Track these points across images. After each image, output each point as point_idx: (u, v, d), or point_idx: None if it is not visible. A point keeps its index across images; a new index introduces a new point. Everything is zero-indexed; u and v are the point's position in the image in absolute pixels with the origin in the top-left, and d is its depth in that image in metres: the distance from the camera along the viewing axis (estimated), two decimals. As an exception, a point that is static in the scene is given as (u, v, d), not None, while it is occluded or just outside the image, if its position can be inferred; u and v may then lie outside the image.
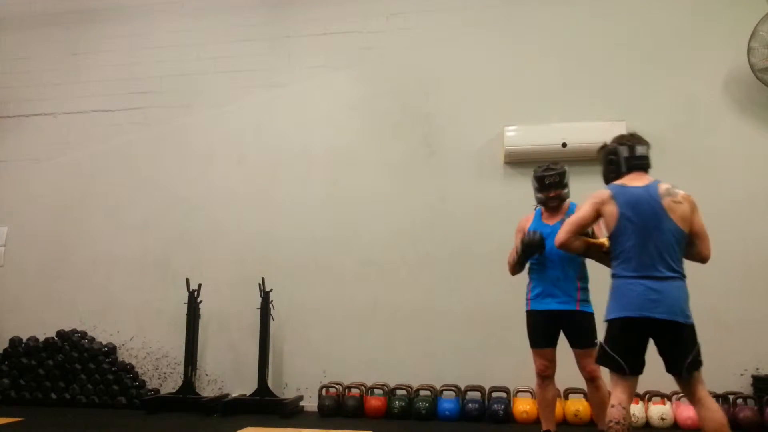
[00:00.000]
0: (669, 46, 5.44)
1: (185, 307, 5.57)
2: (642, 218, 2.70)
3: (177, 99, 6.23)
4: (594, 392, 3.51)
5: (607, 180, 2.95)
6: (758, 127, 5.21)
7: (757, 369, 4.85)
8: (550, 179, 3.61)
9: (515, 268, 3.62)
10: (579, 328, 3.46)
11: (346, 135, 5.87)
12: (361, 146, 5.82)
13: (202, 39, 6.29)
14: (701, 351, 2.67)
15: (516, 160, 5.49)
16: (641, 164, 2.85)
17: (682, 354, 2.64)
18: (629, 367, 2.68)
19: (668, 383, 4.85)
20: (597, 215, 2.80)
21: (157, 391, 5.71)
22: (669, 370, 2.73)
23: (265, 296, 5.46)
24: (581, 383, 4.95)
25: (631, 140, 2.90)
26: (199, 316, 5.61)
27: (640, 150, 2.86)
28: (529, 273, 3.62)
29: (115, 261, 6.04)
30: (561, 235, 2.85)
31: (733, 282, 5.03)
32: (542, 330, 3.52)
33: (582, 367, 3.46)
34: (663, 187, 2.75)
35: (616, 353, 2.68)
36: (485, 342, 5.24)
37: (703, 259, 2.88)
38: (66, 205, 6.25)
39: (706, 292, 5.04)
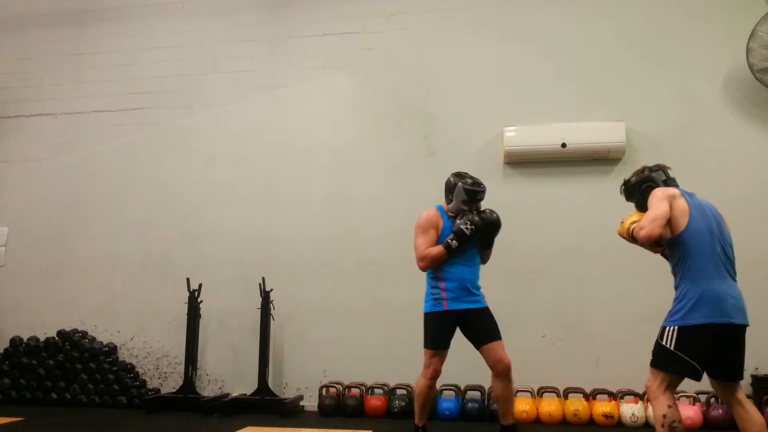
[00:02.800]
0: (668, 46, 5.45)
1: (186, 306, 5.58)
2: (708, 221, 2.75)
3: (177, 99, 6.24)
4: (508, 385, 3.55)
5: (646, 209, 2.91)
6: (757, 127, 5.22)
7: (756, 369, 4.86)
8: (481, 196, 3.70)
9: (438, 260, 3.53)
10: (491, 321, 3.59)
11: (346, 135, 5.88)
12: (361, 146, 5.83)
13: (202, 39, 6.29)
14: None
15: (516, 161, 5.50)
16: (676, 185, 2.98)
17: (743, 359, 2.71)
18: (702, 372, 2.66)
19: (668, 383, 4.88)
20: (669, 210, 2.75)
21: (158, 390, 5.71)
22: (726, 376, 2.73)
23: (266, 296, 5.47)
24: (581, 383, 4.99)
25: (657, 167, 3.04)
26: (199, 315, 5.62)
27: (671, 174, 3.02)
28: (438, 272, 3.59)
29: (116, 261, 6.05)
30: (653, 228, 2.65)
31: (733, 282, 5.03)
32: (450, 331, 3.59)
33: (499, 360, 3.49)
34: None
35: (695, 360, 2.62)
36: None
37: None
38: (66, 205, 6.26)
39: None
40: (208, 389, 5.70)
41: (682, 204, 2.76)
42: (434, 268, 3.57)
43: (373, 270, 5.58)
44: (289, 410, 5.10)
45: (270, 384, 5.40)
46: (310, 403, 5.43)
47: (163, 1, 6.44)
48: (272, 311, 5.49)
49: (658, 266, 5.16)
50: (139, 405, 5.43)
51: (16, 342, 5.83)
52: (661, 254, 3.08)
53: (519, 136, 5.39)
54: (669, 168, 3.06)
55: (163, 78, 6.30)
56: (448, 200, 3.71)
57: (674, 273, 2.82)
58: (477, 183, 3.70)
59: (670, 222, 2.74)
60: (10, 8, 6.74)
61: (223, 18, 6.32)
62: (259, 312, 5.45)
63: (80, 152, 6.36)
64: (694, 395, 4.69)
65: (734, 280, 2.74)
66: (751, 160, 5.20)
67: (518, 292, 5.37)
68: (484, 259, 3.82)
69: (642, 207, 2.99)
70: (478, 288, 3.65)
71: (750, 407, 2.66)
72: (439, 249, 3.50)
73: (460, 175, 3.73)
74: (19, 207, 6.36)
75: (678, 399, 4.71)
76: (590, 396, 4.89)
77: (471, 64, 5.75)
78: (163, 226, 6.03)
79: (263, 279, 5.50)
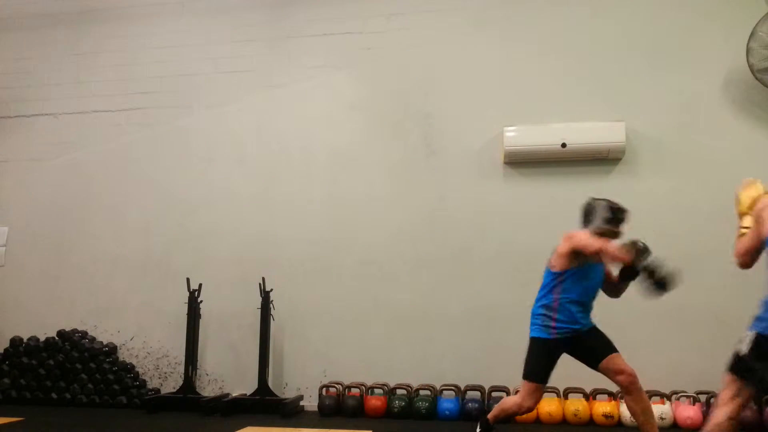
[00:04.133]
0: (669, 47, 5.44)
1: (186, 306, 5.58)
2: None
3: (177, 99, 6.24)
4: (639, 397, 3.31)
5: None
6: (757, 127, 5.22)
7: (757, 369, 4.85)
8: (625, 216, 3.46)
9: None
10: (604, 336, 3.42)
11: (346, 135, 5.87)
12: (361, 146, 5.82)
13: (202, 39, 6.29)
14: None
15: (516, 161, 5.49)
16: None
17: None
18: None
19: (668, 383, 4.90)
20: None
21: (158, 390, 5.71)
22: None
23: (266, 296, 5.47)
24: (581, 383, 4.98)
25: None
26: (199, 315, 5.62)
27: None
28: (551, 300, 3.39)
29: (116, 261, 6.05)
30: (743, 262, 2.67)
31: (733, 281, 5.02)
32: (551, 364, 3.38)
33: (622, 371, 3.31)
34: None
35: (763, 369, 2.46)
36: (485, 342, 5.25)
37: None
38: (66, 205, 6.26)
39: (706, 292, 5.06)
40: (208, 389, 5.70)
41: None
42: (554, 299, 3.37)
43: (373, 270, 5.58)
44: (289, 410, 5.10)
45: (270, 384, 5.40)
46: (310, 403, 5.43)
47: (163, 1, 6.43)
48: (272, 311, 5.49)
49: (658, 266, 5.18)
50: (139, 405, 5.43)
51: (16, 342, 5.83)
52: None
53: (519, 136, 5.39)
54: None
55: (163, 78, 6.30)
56: (587, 223, 3.44)
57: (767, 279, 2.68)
58: (618, 204, 3.46)
59: (760, 230, 2.64)
60: (10, 8, 6.73)
61: (223, 18, 6.32)
62: (259, 312, 5.45)
63: (80, 152, 6.36)
64: (694, 395, 4.69)
65: None
66: (751, 160, 5.19)
67: (518, 292, 5.35)
68: (618, 293, 3.61)
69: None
70: (589, 317, 3.47)
71: None
72: (620, 247, 3.19)
73: (600, 199, 3.50)
74: (19, 207, 6.36)
75: (678, 399, 4.73)
76: (590, 396, 4.89)
77: (471, 64, 5.75)
78: (163, 226, 6.03)
79: (263, 279, 5.50)
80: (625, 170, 5.36)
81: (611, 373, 3.29)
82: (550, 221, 5.38)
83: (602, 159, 5.37)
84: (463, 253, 5.44)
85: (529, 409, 3.36)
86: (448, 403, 4.99)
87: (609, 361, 3.28)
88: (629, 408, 3.34)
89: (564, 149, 5.27)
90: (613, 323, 5.12)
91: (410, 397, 5.09)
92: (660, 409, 4.68)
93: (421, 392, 5.11)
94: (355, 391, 5.23)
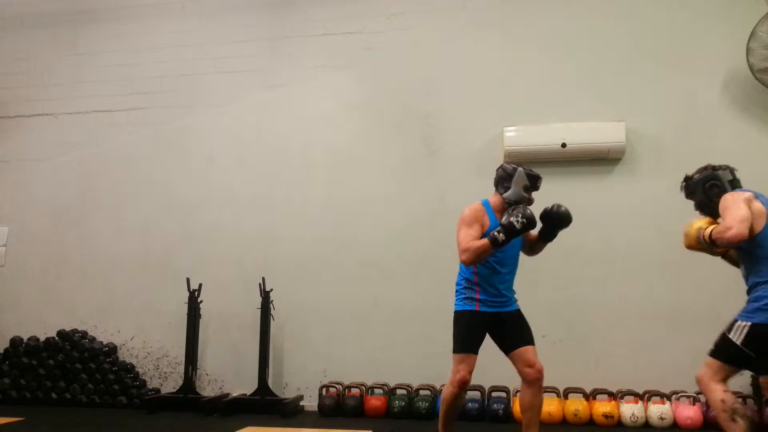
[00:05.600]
0: (669, 47, 5.45)
1: (186, 306, 5.58)
2: None
3: (177, 99, 6.24)
4: (538, 394, 3.23)
5: (710, 209, 2.95)
6: (757, 128, 5.22)
7: (757, 369, 4.85)
8: (540, 183, 3.46)
9: (483, 254, 3.14)
10: (525, 325, 3.34)
11: (346, 135, 5.87)
12: (361, 146, 5.83)
13: (202, 39, 6.29)
14: None
15: (516, 161, 5.44)
16: (741, 185, 2.95)
17: None
18: (764, 370, 2.73)
19: (668, 383, 4.90)
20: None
21: (158, 390, 5.71)
22: None
23: (266, 296, 5.47)
24: (581, 383, 4.98)
25: (725, 166, 3.00)
26: (199, 315, 5.62)
27: (737, 174, 2.98)
28: (473, 277, 3.29)
29: (116, 261, 6.05)
30: (743, 228, 2.63)
31: (733, 281, 5.01)
32: (481, 333, 3.29)
33: (531, 365, 3.21)
34: None
35: (761, 357, 2.64)
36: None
37: None
38: (66, 205, 6.26)
39: (706, 292, 5.06)
40: (208, 389, 5.70)
41: (758, 206, 2.74)
42: (473, 272, 3.28)
43: (373, 270, 5.58)
44: (289, 410, 5.10)
45: (270, 384, 5.40)
46: (310, 403, 5.43)
47: (163, 1, 6.43)
48: (272, 311, 5.49)
49: (658, 266, 5.19)
50: (139, 405, 5.43)
51: (16, 342, 5.83)
52: (722, 257, 3.06)
53: (519, 136, 5.39)
54: (736, 169, 3.01)
55: (163, 78, 6.30)
56: (504, 188, 3.35)
57: (749, 274, 2.79)
58: (534, 172, 3.45)
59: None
60: (10, 8, 6.74)
61: (223, 18, 6.32)
62: (259, 312, 5.45)
63: (80, 152, 6.36)
64: (694, 395, 4.69)
65: None
66: (751, 159, 5.19)
67: (518, 292, 5.35)
68: (534, 252, 3.55)
69: (704, 206, 2.99)
70: (513, 293, 3.43)
71: None
72: (483, 242, 3.11)
73: (516, 163, 3.46)
74: (19, 207, 6.35)
75: (678, 399, 4.73)
76: (590, 396, 4.89)
77: (471, 64, 5.75)
78: (163, 226, 6.03)
79: (263, 279, 5.50)
80: (625, 170, 5.36)
81: (521, 364, 3.23)
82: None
83: (602, 159, 5.37)
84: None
85: (463, 381, 3.19)
86: (448, 403, 4.99)
87: (523, 351, 3.23)
88: (523, 401, 3.27)
89: (564, 149, 5.28)
90: (614, 323, 5.15)
91: (410, 397, 5.09)
92: (660, 409, 4.69)
93: (421, 392, 5.11)
94: (355, 391, 5.23)
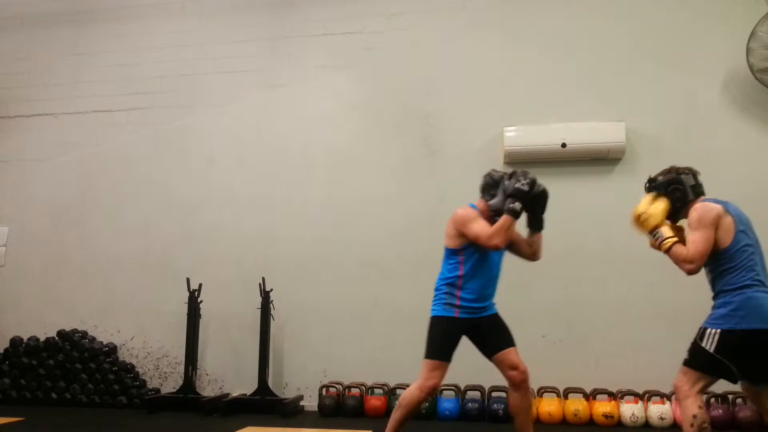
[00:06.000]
0: (669, 46, 5.45)
1: (185, 306, 5.58)
2: (750, 230, 2.77)
3: (177, 99, 6.24)
4: (526, 396, 3.23)
5: (673, 211, 2.96)
6: (757, 128, 5.22)
7: (757, 369, 4.85)
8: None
9: (509, 230, 3.09)
10: (505, 328, 3.28)
11: (346, 135, 5.88)
12: (361, 146, 5.83)
13: (202, 39, 6.29)
14: None
15: (516, 161, 5.49)
16: (703, 191, 2.96)
17: None
18: (740, 375, 2.69)
19: (668, 383, 4.87)
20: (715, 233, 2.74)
21: (158, 390, 5.71)
22: (762, 380, 2.72)
23: (266, 296, 5.47)
24: (581, 383, 4.98)
25: (688, 169, 2.99)
26: (199, 315, 5.62)
27: (699, 178, 2.97)
28: (456, 280, 3.22)
29: (116, 261, 6.05)
30: (699, 268, 2.72)
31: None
32: (457, 341, 3.21)
33: (516, 366, 3.18)
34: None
35: (734, 363, 2.64)
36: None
37: None
38: (66, 205, 6.26)
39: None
40: (208, 389, 5.70)
41: (728, 221, 2.74)
42: (457, 276, 3.22)
43: (373, 270, 5.58)
44: (289, 410, 5.10)
45: (270, 384, 5.40)
46: (310, 403, 5.43)
47: (163, 1, 6.43)
48: (272, 311, 5.49)
49: (658, 267, 5.17)
50: (139, 405, 5.43)
51: (16, 342, 5.83)
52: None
53: (519, 136, 5.39)
54: (698, 173, 3.01)
55: (163, 78, 6.30)
56: (490, 196, 3.31)
57: (715, 282, 2.79)
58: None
59: (714, 239, 2.73)
60: (10, 8, 6.73)
61: (223, 18, 6.32)
62: (259, 312, 5.45)
63: (80, 152, 6.36)
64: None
65: None
66: (751, 160, 5.20)
67: (518, 292, 5.35)
68: (535, 250, 3.37)
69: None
70: (493, 298, 3.34)
71: None
72: (505, 218, 3.07)
73: (521, 176, 3.28)
74: (19, 207, 6.35)
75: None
76: (590, 396, 4.89)
77: (471, 64, 5.75)
78: (162, 226, 6.03)
79: (263, 279, 5.50)
80: (625, 170, 5.36)
81: (505, 367, 3.20)
82: (550, 221, 5.37)
83: (602, 159, 5.37)
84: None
85: (432, 389, 3.14)
86: (448, 403, 5.00)
87: (506, 354, 3.19)
88: (513, 404, 3.27)
89: (564, 149, 5.28)
90: (614, 323, 5.15)
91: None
92: (660, 409, 4.69)
93: (421, 392, 5.10)
94: (355, 391, 5.23)
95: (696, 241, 2.70)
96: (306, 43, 6.10)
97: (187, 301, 5.57)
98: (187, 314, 5.56)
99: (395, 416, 3.24)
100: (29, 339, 5.85)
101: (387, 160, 5.75)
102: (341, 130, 5.89)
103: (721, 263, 2.74)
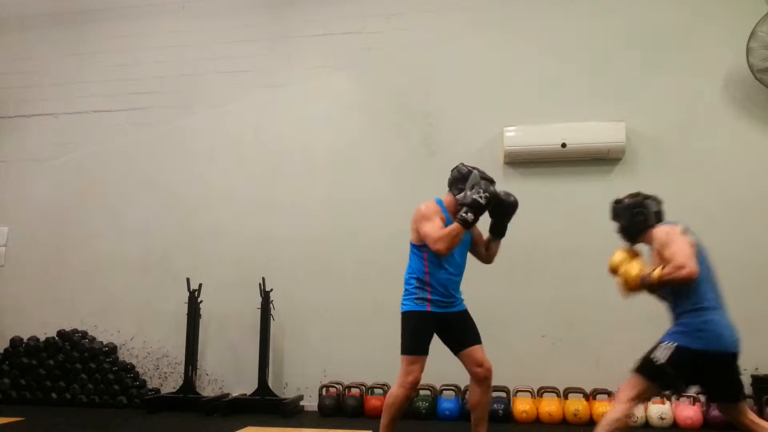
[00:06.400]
0: (669, 46, 5.45)
1: (185, 307, 5.58)
2: (706, 253, 2.83)
3: (177, 99, 6.24)
4: (487, 392, 3.31)
5: (631, 235, 3.04)
6: (757, 128, 5.22)
7: (757, 369, 4.86)
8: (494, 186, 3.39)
9: (456, 238, 3.14)
10: (471, 324, 3.35)
11: (346, 135, 5.87)
12: (361, 146, 5.82)
13: (202, 39, 6.29)
14: None
15: (516, 161, 5.50)
16: (663, 217, 3.01)
17: (739, 382, 2.82)
18: (684, 391, 2.82)
19: (668, 383, 4.88)
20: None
21: (158, 390, 5.71)
22: (725, 398, 2.83)
23: (266, 296, 5.47)
24: (581, 383, 4.98)
25: (653, 196, 3.05)
26: (199, 315, 5.62)
27: (662, 206, 3.04)
28: (424, 276, 3.27)
29: (116, 261, 6.05)
30: (694, 265, 2.66)
31: (733, 282, 5.00)
32: (431, 334, 3.26)
33: (480, 364, 3.26)
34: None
35: (683, 379, 2.73)
36: (485, 341, 5.18)
37: None
38: (66, 205, 6.26)
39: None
40: (208, 389, 5.70)
41: (691, 239, 2.80)
42: (423, 272, 3.28)
43: (373, 270, 5.57)
44: (289, 410, 5.10)
45: (270, 384, 5.40)
46: (310, 403, 5.43)
47: (163, 1, 6.44)
48: (272, 311, 5.49)
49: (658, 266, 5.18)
50: (139, 405, 5.43)
51: (16, 342, 5.83)
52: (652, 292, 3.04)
53: (519, 136, 5.39)
54: (663, 202, 3.07)
55: (163, 78, 6.30)
56: (458, 190, 3.38)
57: (677, 300, 2.83)
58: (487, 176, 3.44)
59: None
60: (10, 8, 6.73)
61: (223, 18, 6.32)
62: (259, 312, 5.45)
63: (80, 152, 6.36)
64: (694, 395, 4.69)
65: (726, 308, 2.82)
66: (751, 159, 5.20)
67: (518, 292, 5.37)
68: (491, 255, 3.47)
69: (625, 232, 3.09)
70: (460, 293, 3.39)
71: (761, 422, 2.76)
72: (454, 227, 3.13)
73: (471, 166, 3.49)
74: (19, 207, 6.35)
75: (678, 399, 4.73)
76: (590, 396, 4.89)
77: (471, 64, 5.75)
78: (163, 226, 6.03)
79: (263, 279, 5.50)
80: (625, 170, 5.36)
81: (471, 363, 3.25)
82: (550, 221, 5.40)
83: (602, 159, 5.37)
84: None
85: (413, 384, 3.18)
86: (448, 403, 5.00)
87: (473, 351, 3.26)
88: (472, 399, 3.32)
89: (564, 149, 5.28)
90: (614, 323, 5.15)
91: (410, 397, 5.08)
92: (660, 409, 4.69)
93: (421, 392, 5.11)
94: (355, 391, 5.23)
95: (676, 250, 2.72)
96: (306, 43, 6.10)
97: (187, 301, 5.57)
98: (187, 314, 5.56)
99: (384, 421, 3.26)
100: (29, 339, 5.85)
101: (387, 160, 5.75)
102: (341, 130, 5.89)
103: (684, 285, 2.77)
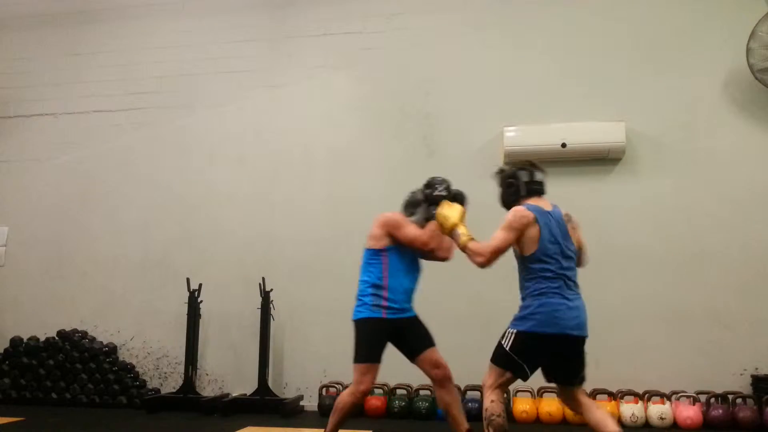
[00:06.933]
0: (669, 46, 5.45)
1: (186, 306, 5.58)
2: (557, 242, 2.84)
3: (177, 99, 6.24)
4: (453, 390, 3.40)
5: (506, 203, 3.07)
6: (757, 127, 5.22)
7: (757, 369, 4.86)
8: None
9: (439, 237, 3.27)
10: (424, 329, 3.41)
11: (346, 135, 5.87)
12: (361, 146, 5.82)
13: (202, 39, 6.29)
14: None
15: (516, 161, 5.43)
16: (540, 189, 3.02)
17: (580, 366, 2.86)
18: (529, 374, 2.84)
19: (668, 383, 4.90)
20: (518, 238, 2.85)
21: (158, 390, 5.71)
22: (563, 380, 2.88)
23: (266, 296, 5.47)
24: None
25: (530, 166, 3.05)
26: (199, 315, 5.62)
27: (538, 175, 3.03)
28: (382, 279, 3.34)
29: (116, 261, 6.05)
30: (491, 260, 2.85)
31: (733, 282, 5.04)
32: (385, 342, 3.31)
33: (439, 365, 3.34)
34: (563, 212, 2.97)
35: (526, 363, 2.80)
36: (485, 342, 5.18)
37: (581, 266, 3.03)
38: (66, 205, 6.26)
39: (705, 292, 5.07)
40: (208, 389, 5.70)
41: (533, 232, 2.82)
42: (380, 277, 3.34)
43: (373, 270, 5.56)
44: (290, 410, 5.10)
45: (270, 384, 5.40)
46: (310, 403, 5.43)
47: (163, 1, 6.44)
48: (272, 311, 5.49)
49: (658, 266, 5.18)
50: (139, 405, 5.43)
51: (16, 342, 5.83)
52: None
53: (519, 136, 5.39)
54: (539, 169, 3.05)
55: (163, 78, 6.30)
56: (409, 213, 3.44)
57: (521, 285, 2.93)
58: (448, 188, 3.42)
59: (520, 244, 2.86)
60: (10, 8, 6.73)
61: (223, 18, 6.32)
62: (259, 312, 5.45)
63: (80, 152, 6.36)
64: (694, 395, 4.69)
65: (577, 293, 2.85)
66: (751, 159, 5.20)
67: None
68: (448, 250, 3.49)
69: (501, 200, 3.12)
70: (413, 297, 3.46)
71: (589, 403, 2.84)
72: (434, 224, 3.21)
73: (438, 184, 3.41)
74: (19, 207, 6.35)
75: (678, 399, 4.73)
76: (590, 396, 4.89)
77: (471, 64, 5.75)
78: (162, 226, 6.03)
79: (263, 279, 5.50)
80: (625, 170, 5.36)
81: (428, 366, 3.31)
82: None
83: (602, 159, 5.37)
84: (462, 252, 5.43)
85: (364, 393, 3.23)
86: (448, 403, 4.99)
87: (428, 354, 3.31)
88: (441, 401, 3.39)
89: (564, 149, 5.27)
90: (614, 323, 5.15)
91: (410, 397, 5.09)
92: (660, 409, 4.68)
93: (421, 392, 5.11)
94: (355, 391, 5.23)
95: (495, 237, 2.85)
96: (306, 43, 6.10)
97: (187, 301, 5.57)
98: (187, 314, 5.56)
99: (332, 420, 3.32)
100: (29, 339, 5.85)
101: (387, 160, 5.75)
102: (341, 130, 5.89)
103: (525, 269, 2.88)
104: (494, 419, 2.76)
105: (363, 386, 3.21)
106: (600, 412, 2.79)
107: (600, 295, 5.22)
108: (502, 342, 2.85)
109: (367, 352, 3.25)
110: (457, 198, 3.37)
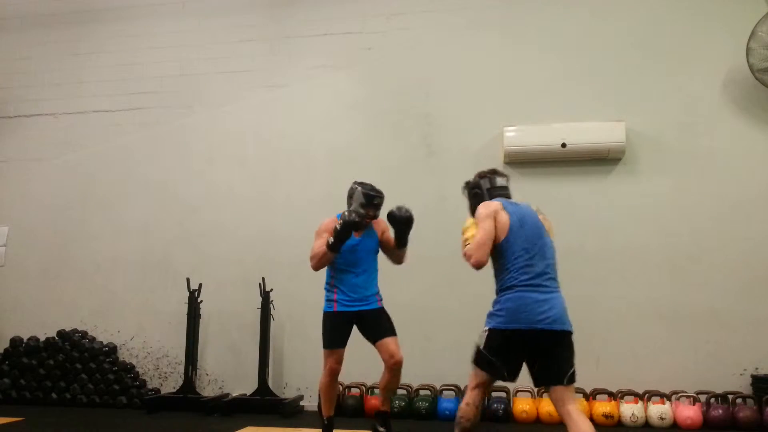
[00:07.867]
0: (669, 46, 5.45)
1: (185, 306, 5.58)
2: (526, 233, 2.82)
3: (177, 99, 6.24)
4: (396, 379, 3.73)
5: (472, 212, 3.08)
6: (757, 127, 5.22)
7: (757, 369, 4.86)
8: (378, 200, 3.84)
9: (323, 258, 3.71)
10: (384, 319, 3.76)
11: (346, 135, 5.87)
12: (361, 146, 5.82)
13: (202, 39, 6.29)
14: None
15: (516, 161, 5.49)
16: (504, 193, 3.06)
17: (559, 364, 2.71)
18: (510, 374, 2.77)
19: (668, 383, 4.90)
20: (495, 225, 2.83)
21: (158, 390, 5.71)
22: (543, 379, 2.76)
23: (266, 296, 5.47)
24: (581, 383, 4.97)
25: (490, 173, 3.12)
26: (199, 315, 5.62)
27: (499, 181, 3.09)
28: (332, 279, 3.83)
29: (116, 261, 6.05)
30: (482, 256, 2.78)
31: (733, 282, 5.04)
32: (342, 331, 3.73)
33: (391, 355, 3.65)
34: (533, 206, 2.99)
35: (499, 361, 2.72)
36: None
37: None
38: (66, 205, 6.26)
39: (705, 292, 5.07)
40: (208, 389, 5.70)
41: (503, 217, 2.82)
42: (331, 276, 3.82)
43: (373, 270, 5.57)
44: (290, 410, 5.10)
45: (270, 384, 5.40)
46: (310, 403, 5.43)
47: (163, 1, 6.44)
48: (272, 311, 5.49)
49: (658, 266, 5.18)
50: (139, 405, 5.43)
51: (16, 342, 5.83)
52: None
53: (519, 136, 5.39)
54: (502, 175, 3.12)
55: (163, 78, 6.30)
56: (348, 205, 3.86)
57: (495, 278, 2.89)
58: (375, 189, 3.86)
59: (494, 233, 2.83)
60: (10, 8, 6.74)
61: (223, 18, 6.32)
62: (259, 312, 5.45)
63: (80, 152, 6.36)
64: (694, 395, 4.69)
65: (552, 287, 2.79)
66: (751, 159, 5.20)
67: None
68: (399, 258, 3.95)
69: (470, 208, 3.15)
70: (372, 292, 3.80)
71: (577, 415, 2.64)
72: (320, 248, 3.68)
73: (360, 183, 3.90)
74: (19, 207, 6.36)
75: (678, 399, 4.73)
76: (590, 396, 4.89)
77: (471, 64, 5.75)
78: (162, 226, 6.03)
79: (263, 279, 5.50)
80: (625, 170, 5.36)
81: (383, 353, 3.67)
82: (550, 221, 5.39)
83: (602, 159, 5.37)
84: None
85: (333, 371, 3.69)
86: (448, 403, 4.99)
87: (384, 342, 3.67)
88: (383, 383, 3.74)
89: (564, 149, 5.28)
90: (614, 323, 5.15)
91: (410, 397, 5.09)
92: (660, 409, 4.68)
93: (421, 392, 5.11)
94: (355, 391, 5.24)
95: (476, 234, 2.82)
96: (306, 43, 6.10)
97: (187, 301, 5.57)
98: (187, 314, 5.56)
99: (322, 402, 3.85)
100: (29, 339, 5.85)
101: (387, 160, 5.75)
102: (341, 130, 5.89)
103: (496, 262, 2.85)
104: (462, 422, 2.74)
105: (328, 366, 3.70)
106: (585, 426, 2.59)
107: (600, 294, 5.24)
108: (478, 341, 2.79)
109: (328, 339, 3.72)
110: (406, 223, 3.76)
